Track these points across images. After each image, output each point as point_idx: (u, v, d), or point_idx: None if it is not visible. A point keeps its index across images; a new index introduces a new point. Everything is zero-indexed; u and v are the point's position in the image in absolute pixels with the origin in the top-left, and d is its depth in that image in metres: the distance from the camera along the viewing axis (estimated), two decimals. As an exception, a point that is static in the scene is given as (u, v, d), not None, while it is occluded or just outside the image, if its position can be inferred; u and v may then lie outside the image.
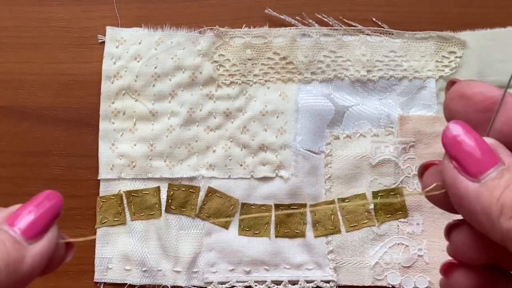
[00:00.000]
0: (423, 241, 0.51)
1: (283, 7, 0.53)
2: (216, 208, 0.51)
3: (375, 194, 0.52)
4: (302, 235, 0.51)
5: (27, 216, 0.28)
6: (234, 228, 0.52)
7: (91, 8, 0.53)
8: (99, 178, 0.51)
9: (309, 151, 0.52)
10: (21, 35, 0.53)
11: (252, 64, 0.53)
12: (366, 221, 0.51)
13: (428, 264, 0.51)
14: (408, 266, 0.51)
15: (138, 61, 0.52)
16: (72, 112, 0.53)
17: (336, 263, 0.51)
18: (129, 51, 0.52)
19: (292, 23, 0.53)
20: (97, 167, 0.52)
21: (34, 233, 0.27)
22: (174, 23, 0.53)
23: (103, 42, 0.53)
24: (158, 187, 0.51)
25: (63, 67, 0.53)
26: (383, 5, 0.54)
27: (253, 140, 0.52)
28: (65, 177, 0.52)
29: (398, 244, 0.51)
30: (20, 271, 0.27)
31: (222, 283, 0.51)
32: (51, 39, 0.53)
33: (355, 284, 0.51)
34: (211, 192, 0.52)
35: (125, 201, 0.51)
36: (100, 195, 0.51)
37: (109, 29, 0.53)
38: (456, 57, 0.53)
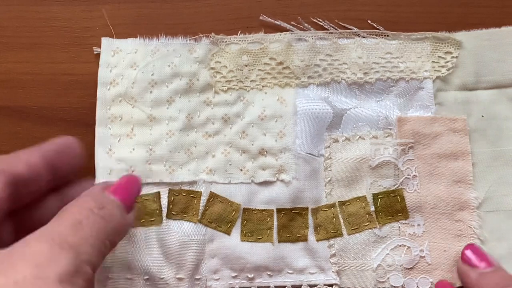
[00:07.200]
0: (425, 242, 0.51)
1: (281, 7, 0.54)
2: (218, 213, 0.51)
3: (375, 196, 0.51)
4: (305, 239, 0.51)
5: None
6: (236, 233, 0.51)
7: (91, 8, 0.53)
8: (95, 184, 0.49)
9: (309, 154, 0.52)
10: (21, 35, 0.53)
11: (249, 70, 0.52)
12: (367, 224, 0.51)
13: (430, 265, 0.50)
14: (410, 268, 0.50)
15: (135, 69, 0.51)
16: (72, 112, 0.52)
17: (339, 267, 0.50)
18: (125, 59, 0.52)
19: (288, 28, 0.53)
20: (97, 167, 0.51)
21: (129, 207, 0.42)
22: (174, 23, 0.53)
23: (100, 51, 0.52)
24: (159, 193, 0.50)
25: (63, 67, 0.53)
26: (383, 4, 0.54)
27: (252, 145, 0.52)
28: (65, 177, 0.51)
29: (400, 245, 0.51)
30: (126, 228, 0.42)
31: None
32: (51, 39, 0.53)
33: (357, 287, 0.50)
34: (212, 197, 0.51)
35: None
36: None
37: (104, 40, 0.52)
38: (452, 57, 0.53)
